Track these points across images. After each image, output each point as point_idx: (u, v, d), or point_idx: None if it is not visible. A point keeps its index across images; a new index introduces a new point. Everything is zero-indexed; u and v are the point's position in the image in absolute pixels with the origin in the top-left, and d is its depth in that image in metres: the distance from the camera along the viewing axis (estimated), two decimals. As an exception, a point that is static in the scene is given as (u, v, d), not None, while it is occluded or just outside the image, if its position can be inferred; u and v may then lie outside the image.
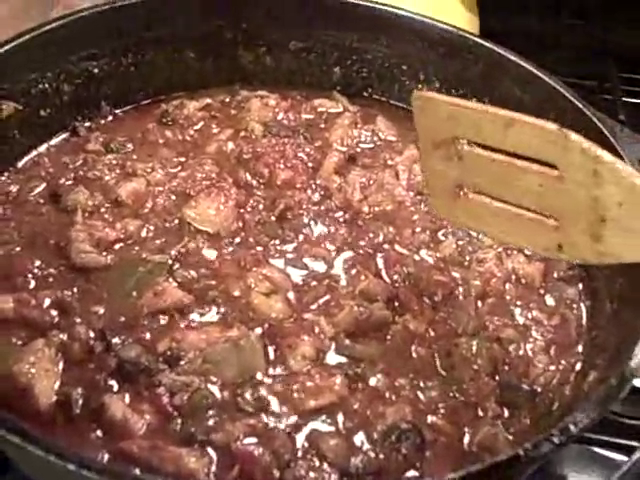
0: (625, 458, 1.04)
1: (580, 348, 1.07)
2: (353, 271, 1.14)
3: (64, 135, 1.36)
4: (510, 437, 0.95)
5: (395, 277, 1.13)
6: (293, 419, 0.93)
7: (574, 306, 1.13)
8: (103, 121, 1.40)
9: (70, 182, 1.24)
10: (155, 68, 1.44)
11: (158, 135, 1.36)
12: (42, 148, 1.32)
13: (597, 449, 1.14)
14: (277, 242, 1.16)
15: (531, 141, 0.81)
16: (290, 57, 1.50)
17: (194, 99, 1.44)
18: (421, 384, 1.00)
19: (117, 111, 1.42)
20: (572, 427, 0.78)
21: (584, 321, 1.11)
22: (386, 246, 1.19)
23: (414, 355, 1.04)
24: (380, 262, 1.16)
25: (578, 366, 1.04)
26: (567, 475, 1.14)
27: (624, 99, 1.81)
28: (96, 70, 1.37)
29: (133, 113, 1.43)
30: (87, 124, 1.38)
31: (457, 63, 1.39)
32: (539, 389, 1.00)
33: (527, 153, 0.83)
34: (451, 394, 0.99)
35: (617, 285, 1.05)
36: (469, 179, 0.91)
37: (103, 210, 1.20)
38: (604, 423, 1.14)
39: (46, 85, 1.31)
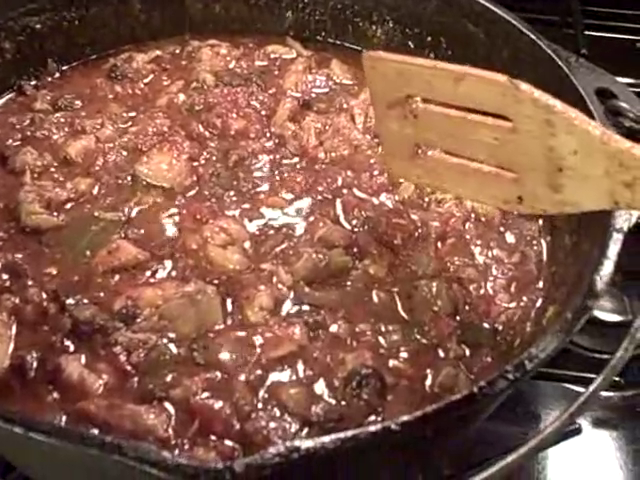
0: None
1: (541, 284, 1.06)
2: (311, 218, 1.12)
3: (10, 95, 1.33)
4: (472, 377, 0.94)
5: (354, 222, 1.12)
6: (252, 370, 0.92)
7: (534, 242, 1.12)
8: (50, 79, 1.36)
9: (17, 143, 1.22)
10: (101, 22, 1.40)
11: (107, 90, 1.33)
12: (-13, 109, 1.29)
13: (569, 385, 1.15)
14: (232, 193, 1.14)
15: (482, 94, 0.80)
16: (240, 3, 1.46)
17: (143, 52, 1.41)
18: (382, 328, 0.99)
19: (64, 68, 1.38)
20: (527, 363, 0.77)
21: (544, 257, 1.10)
22: (345, 191, 1.17)
23: (375, 300, 1.03)
24: (339, 208, 1.14)
25: (539, 302, 1.04)
26: (540, 412, 1.15)
27: (586, 32, 1.78)
28: (38, 26, 1.33)
29: (81, 69, 1.39)
30: (33, 82, 1.34)
31: (410, 2, 1.36)
32: (500, 327, 1.00)
33: (480, 107, 0.82)
34: (412, 337, 0.98)
35: (575, 218, 1.04)
36: (425, 137, 0.90)
37: (53, 170, 1.17)
38: (575, 359, 1.16)
39: (-14, 44, 1.27)
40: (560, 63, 1.10)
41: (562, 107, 0.77)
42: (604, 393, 1.14)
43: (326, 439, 0.69)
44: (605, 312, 1.22)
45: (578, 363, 1.16)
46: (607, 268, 0.87)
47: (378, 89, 0.91)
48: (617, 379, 1.14)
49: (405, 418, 0.72)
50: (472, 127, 0.84)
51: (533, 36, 1.17)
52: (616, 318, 1.22)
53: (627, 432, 1.14)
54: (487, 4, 1.26)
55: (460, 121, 0.85)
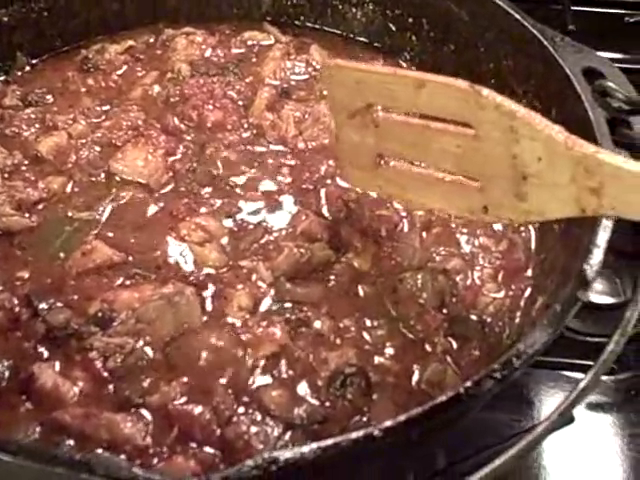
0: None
1: (529, 272, 1.04)
2: (293, 211, 1.09)
3: (-22, 91, 1.28)
4: (459, 372, 0.91)
5: (337, 214, 1.08)
6: (232, 373, 0.89)
7: (522, 229, 1.09)
8: (20, 73, 1.33)
9: (-14, 142, 1.18)
10: (71, 12, 1.36)
11: (79, 83, 1.29)
12: (-46, 106, 1.25)
13: (564, 372, 1.13)
14: (209, 189, 1.11)
15: (444, 101, 0.78)
16: (215, -12, 1.42)
17: (116, 42, 1.37)
18: (367, 323, 0.96)
19: (34, 61, 1.34)
20: (515, 360, 0.74)
21: (533, 244, 1.07)
22: (328, 181, 1.13)
23: (359, 294, 1.00)
24: (321, 199, 1.11)
25: (528, 291, 1.01)
26: (533, 399, 1.12)
27: (573, 8, 1.74)
28: (5, 18, 1.29)
29: (52, 62, 1.35)
30: (2, 77, 1.30)
31: (391, -17, 1.32)
32: (488, 319, 0.97)
33: (442, 114, 0.80)
34: (398, 332, 0.96)
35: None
36: (387, 146, 0.88)
37: (24, 169, 1.14)
38: (567, 343, 1.13)
39: (-49, 38, 1.24)
40: (546, 43, 1.07)
41: (525, 113, 0.75)
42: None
43: (305, 449, 0.67)
44: (597, 294, 1.20)
45: (570, 347, 1.13)
46: (597, 257, 0.84)
47: (338, 98, 0.89)
48: (610, 363, 1.12)
49: (388, 423, 0.69)
50: (435, 135, 0.82)
51: (518, 16, 1.13)
52: (609, 300, 1.20)
53: (621, 416, 1.12)
54: (468, -18, 1.23)
55: (422, 130, 0.83)
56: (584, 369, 1.07)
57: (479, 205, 0.84)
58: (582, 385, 0.79)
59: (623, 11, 1.70)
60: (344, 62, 0.86)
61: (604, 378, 1.14)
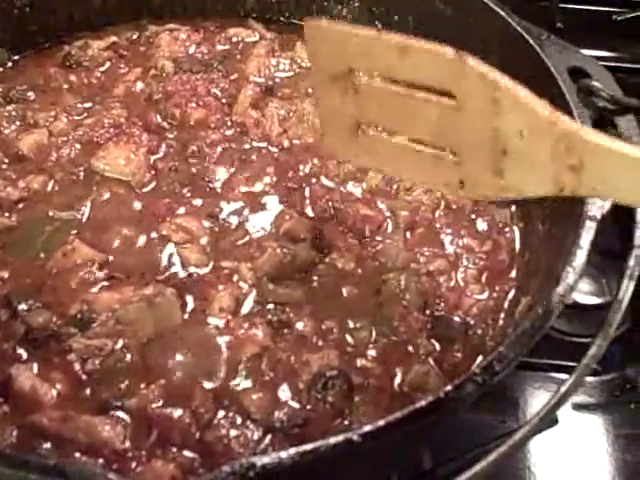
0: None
1: (513, 273, 1.03)
2: (276, 210, 1.08)
3: (-42, 88, 1.26)
4: (442, 374, 0.91)
5: (321, 214, 1.07)
6: (212, 375, 0.88)
7: (506, 230, 1.08)
8: (1, 69, 1.31)
9: (-35, 139, 1.16)
10: (53, 7, 1.34)
11: (61, 80, 1.27)
12: None
13: (552, 374, 1.13)
14: (191, 188, 1.09)
15: (428, 68, 0.75)
16: (199, -17, 1.40)
17: (99, 38, 1.35)
18: (350, 325, 0.95)
19: (16, 57, 1.32)
20: (496, 364, 0.74)
21: (517, 245, 1.07)
22: (312, 180, 1.12)
23: (342, 295, 0.99)
24: (305, 198, 1.10)
25: (512, 293, 1.00)
26: (518, 399, 1.12)
27: (561, 6, 1.74)
28: (-13, 14, 1.27)
29: (34, 58, 1.33)
30: (-17, 74, 1.28)
31: (375, -21, 1.31)
32: (472, 321, 0.97)
33: (425, 81, 0.77)
34: (381, 333, 0.95)
35: (548, 204, 1.00)
36: (366, 113, 0.85)
37: (4, 167, 1.12)
38: (551, 343, 1.13)
39: None
40: (531, 41, 1.06)
41: (510, 84, 0.72)
42: (582, 378, 1.11)
43: (284, 454, 0.66)
44: (583, 294, 1.19)
45: (555, 347, 1.13)
46: (580, 258, 0.84)
47: (319, 60, 0.85)
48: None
49: (367, 428, 0.68)
50: (416, 105, 0.79)
51: (503, 13, 1.12)
52: (594, 300, 1.19)
53: (606, 417, 1.12)
54: (456, -20, 1.22)
55: (403, 98, 0.80)
56: (569, 369, 1.08)
57: (455, 179, 0.81)
58: (563, 390, 0.79)
59: (611, 9, 1.69)
60: (328, 22, 0.83)
61: (589, 379, 1.14)
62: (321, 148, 1.04)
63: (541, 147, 0.72)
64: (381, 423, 0.69)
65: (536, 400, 1.11)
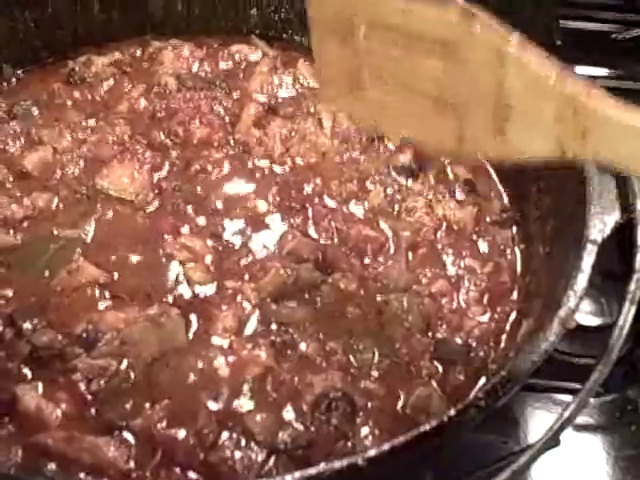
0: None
1: (515, 295, 1.04)
2: (280, 230, 1.08)
3: (-38, 104, 1.27)
4: (445, 396, 0.91)
5: (324, 234, 1.08)
6: (216, 396, 0.89)
7: (508, 251, 1.09)
8: (5, 84, 1.31)
9: (-30, 156, 1.16)
10: (57, 23, 1.34)
11: (65, 96, 1.27)
12: (-62, 119, 1.23)
13: (553, 394, 1.13)
14: (194, 207, 1.10)
15: (434, 20, 0.73)
16: (202, 0, 1.40)
17: (102, 54, 1.35)
18: (353, 346, 0.96)
19: (20, 72, 1.32)
20: (500, 388, 0.75)
21: (518, 266, 1.07)
22: (315, 200, 1.13)
23: (345, 316, 0.99)
24: (308, 218, 1.10)
25: (513, 315, 1.01)
26: (519, 419, 1.12)
27: (561, 22, 1.74)
28: (-8, 29, 1.27)
29: (38, 73, 1.33)
30: (-13, 88, 1.29)
31: None
32: (474, 343, 0.97)
33: (430, 32, 0.74)
34: (383, 355, 0.95)
35: (549, 227, 1.01)
36: (367, 66, 0.82)
37: (8, 185, 1.13)
38: (553, 364, 1.13)
39: None
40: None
41: (518, 39, 0.70)
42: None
43: (288, 478, 0.66)
44: (583, 314, 1.19)
45: (555, 368, 1.12)
46: (581, 282, 0.84)
47: (319, 10, 0.83)
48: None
49: (372, 453, 0.69)
50: (419, 56, 0.76)
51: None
52: (595, 321, 1.20)
53: (607, 438, 1.12)
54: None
55: (407, 49, 0.77)
56: (570, 390, 1.09)
57: (454, 135, 0.79)
58: (567, 414, 0.79)
59: (611, 27, 1.70)
60: None
61: (590, 400, 1.14)
62: (319, 98, 1.02)
63: (546, 107, 0.69)
64: (386, 447, 0.69)
65: (536, 420, 1.11)
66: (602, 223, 0.89)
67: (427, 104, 0.80)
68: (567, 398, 1.10)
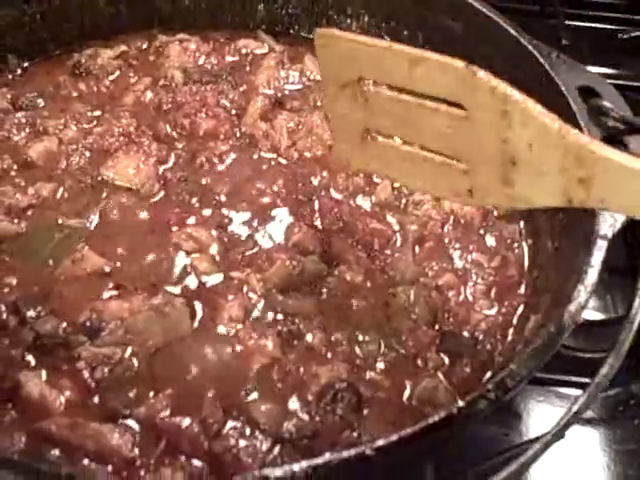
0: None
1: (522, 289, 1.03)
2: (286, 222, 1.08)
3: (-31, 94, 1.26)
4: (451, 388, 0.91)
5: (330, 227, 1.07)
6: (221, 385, 0.88)
7: (515, 245, 1.08)
8: (11, 76, 1.31)
9: (-25, 146, 1.16)
10: (64, 16, 1.34)
11: (71, 88, 1.27)
12: (-56, 108, 1.23)
13: (556, 388, 1.13)
14: (200, 198, 1.09)
15: (438, 80, 0.76)
16: (210, -5, 1.41)
17: (109, 47, 1.35)
18: (359, 338, 0.95)
19: (26, 64, 1.32)
20: (509, 381, 0.74)
21: (526, 261, 1.07)
22: (322, 193, 1.12)
23: (351, 308, 0.99)
24: (315, 211, 1.10)
25: (520, 309, 1.01)
26: (521, 412, 1.11)
27: (567, 23, 1.75)
28: (-2, 21, 1.27)
29: (44, 65, 1.33)
30: (-7, 79, 1.28)
31: (385, -5, 1.31)
32: (480, 336, 0.97)
33: (434, 92, 0.78)
34: (390, 346, 0.95)
35: (557, 221, 1.01)
36: (376, 122, 0.86)
37: (13, 174, 1.12)
38: (559, 360, 1.13)
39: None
40: (541, 60, 1.06)
41: (520, 97, 0.72)
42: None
43: (296, 467, 0.66)
44: (588, 310, 1.19)
45: (559, 362, 1.12)
46: (591, 277, 0.84)
47: (329, 69, 0.86)
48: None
49: (380, 442, 0.68)
50: (425, 114, 0.80)
51: (514, 31, 1.13)
52: (600, 316, 1.20)
53: (609, 432, 1.11)
54: (466, -3, 1.22)
55: (413, 107, 0.81)
56: (574, 384, 1.09)
57: (464, 188, 0.82)
58: (575, 408, 0.79)
59: (617, 27, 1.71)
60: (339, 32, 0.83)
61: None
62: (332, 156, 1.05)
63: (550, 159, 0.72)
64: (394, 437, 0.69)
65: (538, 413, 1.10)
66: (612, 218, 0.88)
67: (436, 158, 0.83)
68: (570, 392, 1.10)
